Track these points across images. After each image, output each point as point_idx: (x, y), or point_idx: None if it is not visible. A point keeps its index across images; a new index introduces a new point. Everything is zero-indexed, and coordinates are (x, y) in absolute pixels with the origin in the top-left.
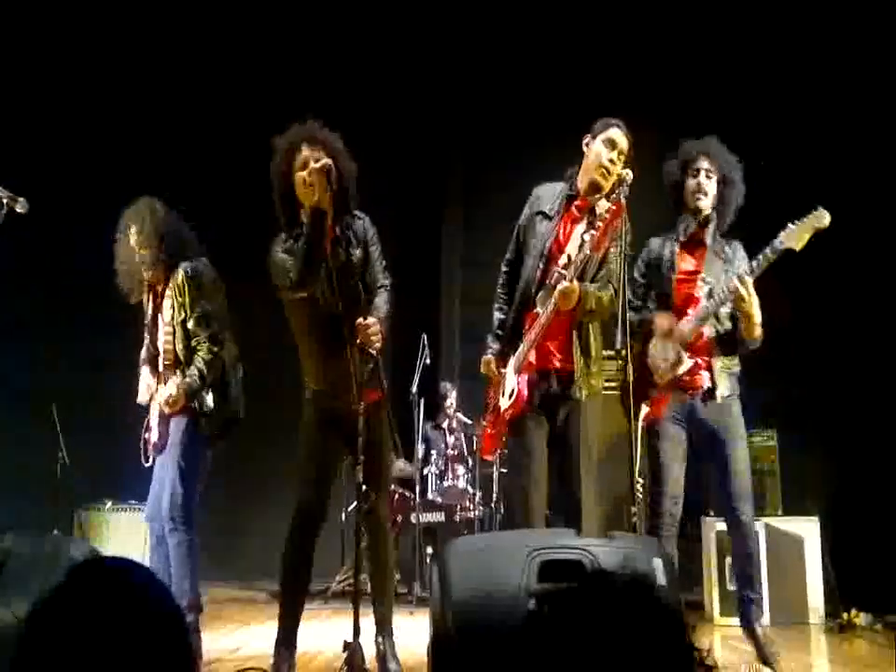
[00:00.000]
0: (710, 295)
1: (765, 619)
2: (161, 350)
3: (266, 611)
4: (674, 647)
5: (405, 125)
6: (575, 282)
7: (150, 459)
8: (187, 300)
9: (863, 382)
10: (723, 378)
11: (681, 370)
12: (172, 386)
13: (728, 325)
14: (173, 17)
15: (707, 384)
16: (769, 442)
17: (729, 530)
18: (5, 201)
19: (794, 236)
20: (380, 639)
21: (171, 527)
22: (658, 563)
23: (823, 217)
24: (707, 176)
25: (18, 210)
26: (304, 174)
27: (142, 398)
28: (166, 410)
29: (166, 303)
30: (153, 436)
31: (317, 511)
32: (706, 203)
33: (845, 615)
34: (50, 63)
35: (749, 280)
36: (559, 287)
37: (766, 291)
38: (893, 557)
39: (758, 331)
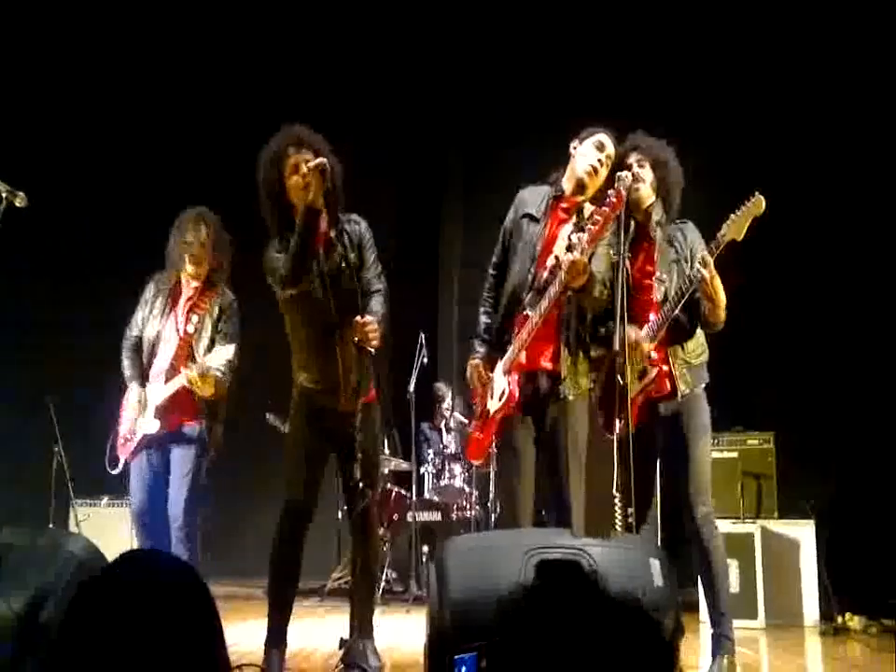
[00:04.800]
0: (665, 298)
1: (760, 621)
2: (169, 341)
3: (262, 609)
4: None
5: (404, 124)
6: (584, 256)
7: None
8: (227, 324)
9: (862, 385)
10: (683, 373)
11: (647, 380)
12: (200, 366)
13: (678, 313)
14: (169, 15)
15: (669, 386)
16: (766, 445)
17: (687, 532)
18: (4, 195)
19: (735, 227)
20: (360, 641)
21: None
22: (655, 563)
23: (760, 204)
24: (640, 165)
25: (17, 204)
26: (297, 176)
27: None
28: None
29: (194, 312)
30: (148, 427)
31: (306, 509)
32: (645, 190)
33: (839, 618)
34: (49, 59)
35: (711, 261)
36: (567, 257)
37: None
38: (888, 560)
39: (723, 314)
